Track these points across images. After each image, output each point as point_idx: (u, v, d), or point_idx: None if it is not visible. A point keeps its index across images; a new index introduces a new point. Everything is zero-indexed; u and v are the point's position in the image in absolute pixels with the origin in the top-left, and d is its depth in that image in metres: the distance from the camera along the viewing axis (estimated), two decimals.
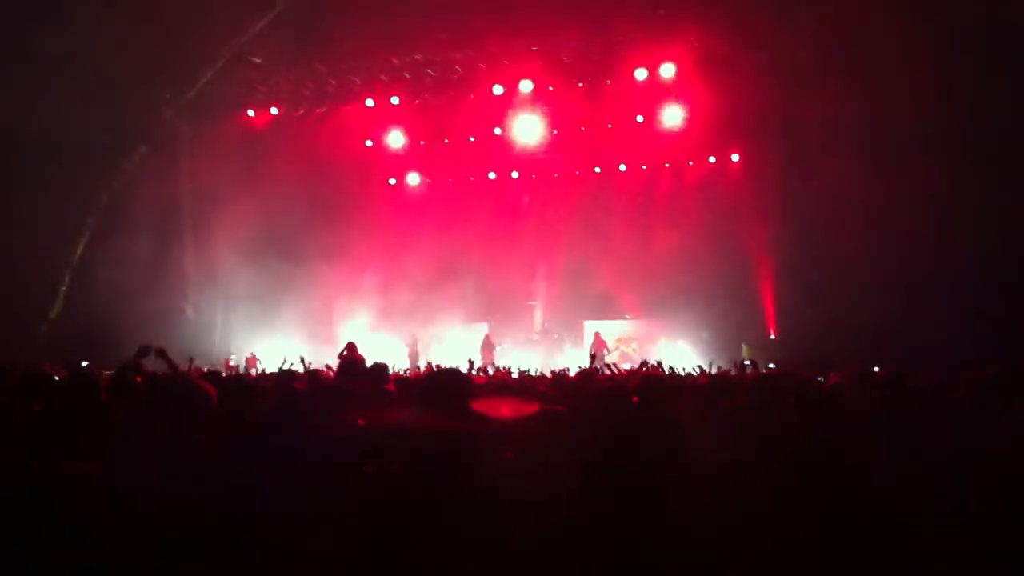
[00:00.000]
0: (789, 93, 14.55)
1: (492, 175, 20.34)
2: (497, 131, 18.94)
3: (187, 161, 18.58)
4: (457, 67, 17.79)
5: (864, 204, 14.34)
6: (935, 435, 3.78)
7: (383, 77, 18.10)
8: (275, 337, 17.86)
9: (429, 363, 12.71)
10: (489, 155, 19.57)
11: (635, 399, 3.82)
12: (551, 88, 17.80)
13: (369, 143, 19.51)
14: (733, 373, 8.23)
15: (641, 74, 17.03)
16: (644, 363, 10.05)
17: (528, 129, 18.52)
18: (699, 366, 10.42)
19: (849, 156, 13.81)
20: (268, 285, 17.09)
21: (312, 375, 6.11)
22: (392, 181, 20.86)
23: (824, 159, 14.17)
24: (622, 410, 3.54)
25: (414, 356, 17.85)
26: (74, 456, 3.14)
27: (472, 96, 18.19)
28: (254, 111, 18.78)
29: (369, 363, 5.65)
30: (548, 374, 9.68)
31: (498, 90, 17.71)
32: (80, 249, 17.38)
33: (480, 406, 3.52)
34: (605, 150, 19.31)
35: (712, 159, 18.88)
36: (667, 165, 19.37)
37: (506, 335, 19.50)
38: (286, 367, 7.04)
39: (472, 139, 19.51)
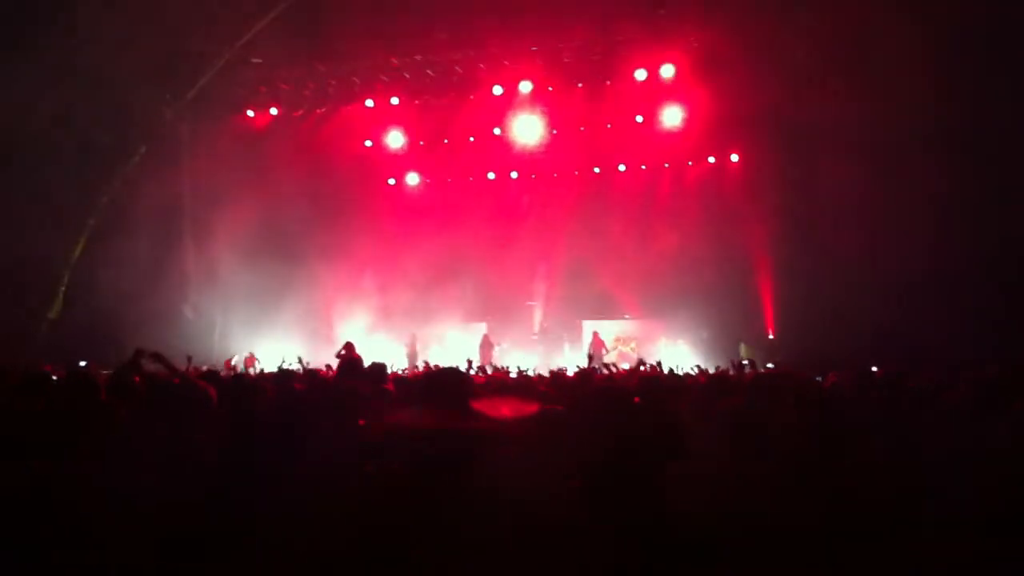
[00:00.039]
0: (789, 93, 14.52)
1: (492, 175, 20.31)
2: (497, 131, 18.93)
3: (187, 161, 18.59)
4: (457, 67, 17.82)
5: (864, 204, 14.34)
6: (935, 435, 3.78)
7: (383, 77, 18.13)
8: (275, 337, 17.85)
9: (427, 363, 12.70)
10: (489, 155, 19.54)
11: (637, 399, 3.82)
12: (551, 88, 17.82)
13: (369, 143, 19.52)
14: (731, 373, 8.23)
15: (641, 74, 17.05)
16: (640, 362, 10.06)
17: (528, 129, 18.53)
18: (697, 366, 10.43)
19: (849, 156, 13.80)
20: (268, 285, 17.05)
21: (311, 375, 6.11)
22: (392, 181, 20.83)
23: (824, 159, 14.18)
24: (621, 410, 3.54)
25: (413, 356, 17.84)
26: (74, 456, 3.14)
27: (472, 96, 18.22)
28: (254, 111, 18.81)
29: (368, 363, 5.65)
30: (546, 374, 9.68)
31: (498, 90, 17.74)
32: (80, 249, 17.38)
33: (480, 406, 3.52)
34: (605, 150, 19.28)
35: (712, 159, 18.86)
36: (667, 165, 19.35)
37: (505, 335, 19.47)
38: (284, 367, 7.05)
39: (472, 139, 19.50)
